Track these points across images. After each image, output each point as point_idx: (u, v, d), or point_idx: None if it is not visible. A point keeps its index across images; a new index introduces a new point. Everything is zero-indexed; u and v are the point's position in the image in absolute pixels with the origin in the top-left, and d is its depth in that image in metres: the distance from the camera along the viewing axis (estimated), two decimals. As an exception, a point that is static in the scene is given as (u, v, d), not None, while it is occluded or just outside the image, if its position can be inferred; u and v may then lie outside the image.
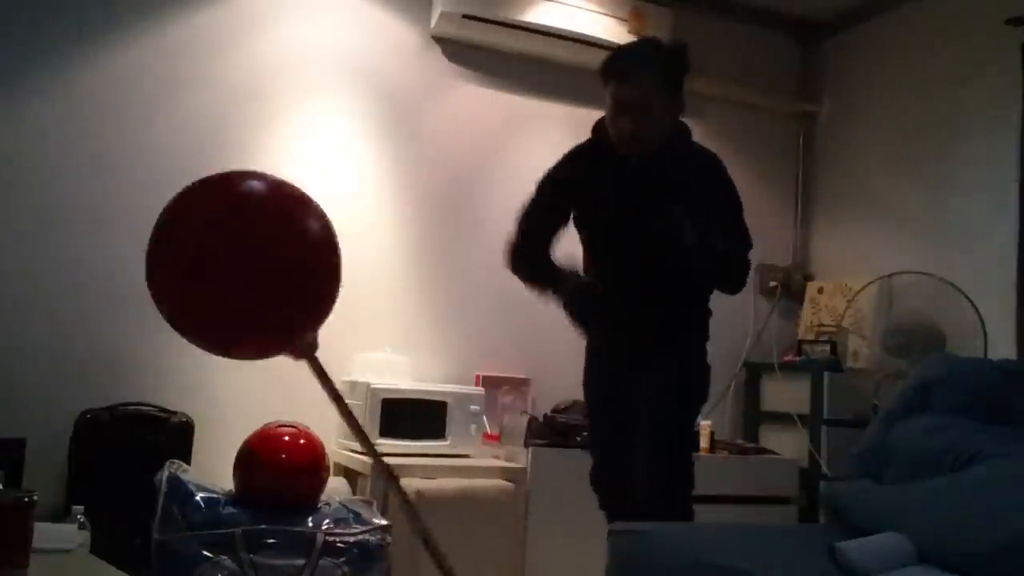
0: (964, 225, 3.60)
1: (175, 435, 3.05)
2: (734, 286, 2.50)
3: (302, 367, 3.47)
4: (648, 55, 2.36)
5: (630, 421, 2.50)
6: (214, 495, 2.29)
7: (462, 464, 3.19)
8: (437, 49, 3.73)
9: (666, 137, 2.38)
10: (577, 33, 3.67)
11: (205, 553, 2.15)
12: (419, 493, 2.91)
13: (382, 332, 3.52)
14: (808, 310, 4.14)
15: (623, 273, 2.50)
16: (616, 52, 2.45)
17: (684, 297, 2.50)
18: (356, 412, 3.17)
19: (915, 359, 3.19)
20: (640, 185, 2.40)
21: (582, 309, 2.39)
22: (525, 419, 3.36)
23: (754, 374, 4.12)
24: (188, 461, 2.80)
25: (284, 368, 3.39)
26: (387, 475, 1.85)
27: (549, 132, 3.86)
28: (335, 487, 2.79)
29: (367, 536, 2.33)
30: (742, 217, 2.49)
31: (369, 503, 2.52)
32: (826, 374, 3.63)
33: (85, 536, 1.98)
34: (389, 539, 2.38)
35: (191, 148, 3.31)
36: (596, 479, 2.61)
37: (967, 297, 3.21)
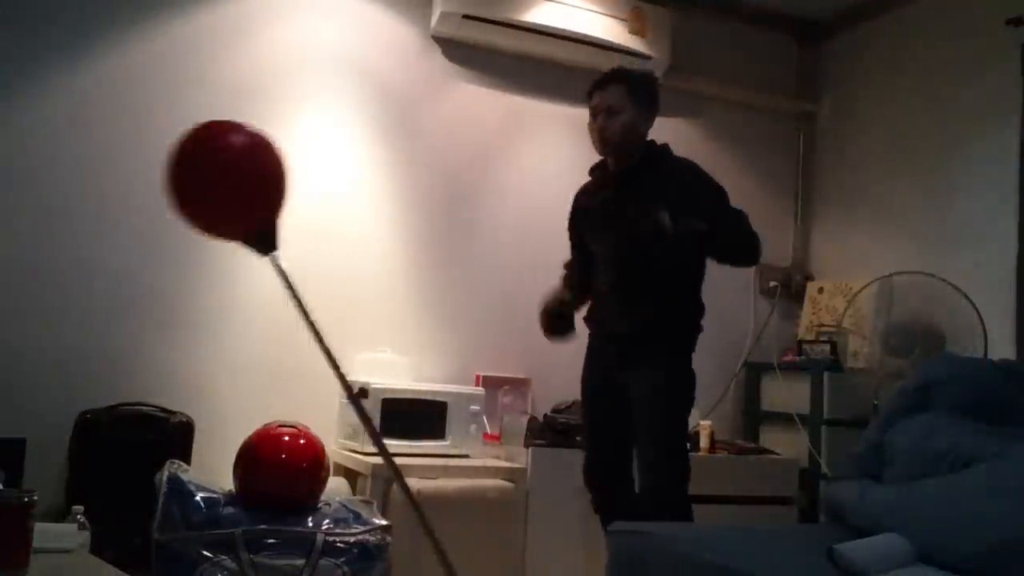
0: (964, 225, 3.60)
1: (175, 435, 3.04)
2: (747, 257, 2.62)
3: (301, 368, 3.49)
4: (614, 73, 2.69)
5: (616, 419, 2.60)
6: (214, 495, 2.29)
7: (462, 464, 3.19)
8: (437, 49, 3.73)
9: (637, 144, 2.65)
10: (577, 33, 3.66)
11: (205, 553, 2.15)
12: (419, 493, 2.90)
13: (382, 332, 3.52)
14: (808, 310, 4.14)
15: (609, 279, 2.69)
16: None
17: (667, 301, 2.60)
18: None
19: (915, 359, 3.20)
20: (620, 196, 2.64)
21: (553, 323, 2.70)
22: (525, 419, 3.37)
23: (754, 374, 4.12)
24: (188, 461, 2.80)
25: (284, 368, 3.42)
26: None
27: (549, 132, 3.87)
28: (335, 487, 2.78)
29: (367, 536, 2.33)
30: (726, 201, 2.61)
31: (369, 503, 2.52)
32: (826, 374, 3.63)
33: (85, 536, 1.97)
34: (389, 539, 2.38)
35: (191, 148, 3.31)
36: (585, 476, 2.72)
37: (967, 297, 3.21)
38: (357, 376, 3.31)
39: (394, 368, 3.36)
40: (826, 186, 4.35)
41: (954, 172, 3.68)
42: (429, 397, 3.26)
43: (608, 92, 2.64)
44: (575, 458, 2.80)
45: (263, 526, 2.23)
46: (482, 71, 3.80)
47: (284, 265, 3.40)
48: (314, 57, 3.52)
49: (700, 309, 2.67)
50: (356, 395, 2.11)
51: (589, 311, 2.78)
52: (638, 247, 2.52)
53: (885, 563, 1.91)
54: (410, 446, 3.17)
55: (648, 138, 2.69)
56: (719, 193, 2.60)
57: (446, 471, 3.08)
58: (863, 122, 4.17)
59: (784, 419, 3.84)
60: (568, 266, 2.87)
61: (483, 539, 2.96)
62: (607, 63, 3.67)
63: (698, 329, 2.66)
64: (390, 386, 3.19)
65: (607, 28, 3.71)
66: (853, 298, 3.62)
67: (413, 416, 3.20)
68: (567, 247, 2.90)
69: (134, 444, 2.94)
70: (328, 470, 2.50)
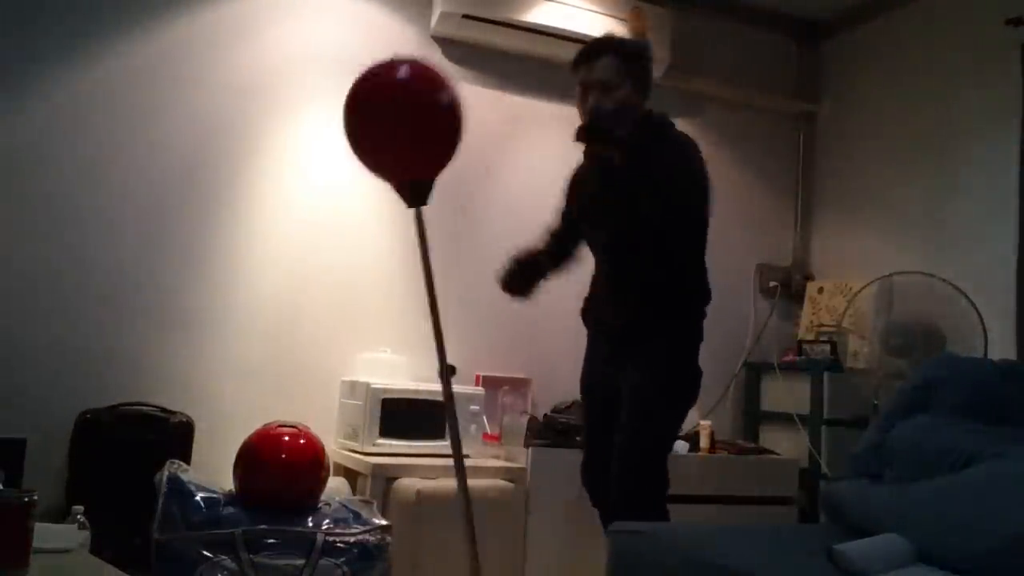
0: (964, 225, 3.60)
1: (175, 435, 3.05)
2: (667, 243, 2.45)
3: (301, 368, 3.48)
4: (606, 44, 2.51)
5: (608, 417, 2.55)
6: (214, 495, 2.29)
7: (462, 464, 3.19)
8: (437, 49, 3.73)
9: (631, 121, 2.42)
10: (577, 33, 3.66)
11: (205, 553, 2.16)
12: (419, 493, 2.91)
13: (382, 332, 3.52)
14: (808, 310, 4.15)
15: (604, 269, 2.62)
16: (581, 48, 2.56)
17: (659, 295, 2.50)
18: (356, 412, 3.20)
19: (915, 359, 3.20)
20: (610, 175, 2.46)
21: (508, 275, 2.69)
22: (525, 419, 3.37)
23: (754, 374, 4.12)
24: (188, 461, 2.80)
25: (284, 368, 3.42)
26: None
27: (549, 132, 3.86)
28: (335, 487, 2.79)
29: (367, 536, 2.34)
30: (687, 187, 2.40)
31: (369, 503, 2.53)
32: (826, 374, 3.63)
33: (85, 536, 1.97)
34: (389, 539, 2.38)
35: (192, 148, 3.31)
36: (581, 474, 2.68)
37: (967, 297, 3.21)
38: (357, 376, 3.31)
39: (394, 368, 3.36)
40: (826, 186, 4.35)
41: (954, 172, 3.68)
42: (429, 397, 3.25)
43: (600, 65, 2.43)
44: (575, 458, 2.80)
45: (263, 526, 2.23)
46: (482, 71, 3.80)
47: (285, 265, 3.42)
48: (315, 57, 3.52)
49: (699, 296, 2.54)
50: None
51: (585, 304, 2.73)
52: (627, 232, 2.44)
53: (885, 563, 1.91)
54: (410, 446, 3.17)
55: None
56: (680, 177, 2.38)
57: (446, 471, 3.07)
58: (863, 122, 4.17)
59: (784, 419, 3.84)
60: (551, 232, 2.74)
61: (483, 539, 2.95)
62: (607, 63, 3.68)
63: (700, 316, 2.53)
64: (390, 386, 3.18)
65: (607, 28, 3.68)
66: (853, 298, 3.62)
67: (413, 416, 3.20)
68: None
69: (134, 444, 2.95)
70: (328, 470, 2.51)
